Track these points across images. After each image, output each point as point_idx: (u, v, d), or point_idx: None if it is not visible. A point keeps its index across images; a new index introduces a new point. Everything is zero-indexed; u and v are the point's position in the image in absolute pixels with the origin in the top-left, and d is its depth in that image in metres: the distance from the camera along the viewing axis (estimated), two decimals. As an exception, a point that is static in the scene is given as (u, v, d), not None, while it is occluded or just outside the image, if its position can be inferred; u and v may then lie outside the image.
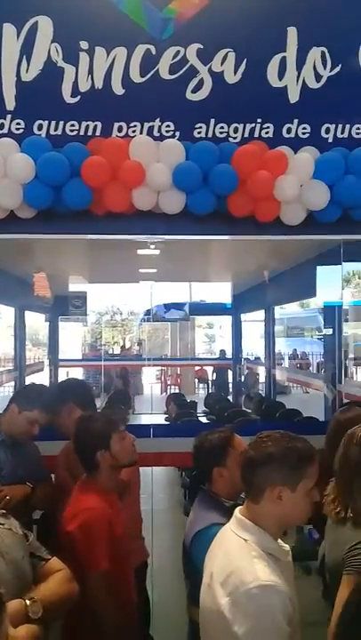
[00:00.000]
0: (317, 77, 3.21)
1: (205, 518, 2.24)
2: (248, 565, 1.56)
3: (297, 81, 3.20)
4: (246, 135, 3.21)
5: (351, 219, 3.19)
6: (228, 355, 11.70)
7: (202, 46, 3.15)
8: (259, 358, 11.10)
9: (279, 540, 1.70)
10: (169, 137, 3.16)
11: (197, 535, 2.22)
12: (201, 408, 9.35)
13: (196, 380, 13.62)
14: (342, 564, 1.86)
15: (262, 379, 10.52)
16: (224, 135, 3.21)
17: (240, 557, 1.59)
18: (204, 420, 7.97)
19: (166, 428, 5.17)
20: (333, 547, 2.02)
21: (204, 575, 1.73)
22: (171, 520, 5.45)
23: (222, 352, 12.76)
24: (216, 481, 2.36)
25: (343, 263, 3.83)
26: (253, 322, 11.05)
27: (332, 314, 6.03)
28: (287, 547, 1.74)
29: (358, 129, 3.27)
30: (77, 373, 10.31)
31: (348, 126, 3.25)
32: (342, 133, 3.25)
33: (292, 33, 3.17)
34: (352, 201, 3.11)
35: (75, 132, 3.16)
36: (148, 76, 3.16)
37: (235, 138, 3.21)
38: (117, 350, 13.92)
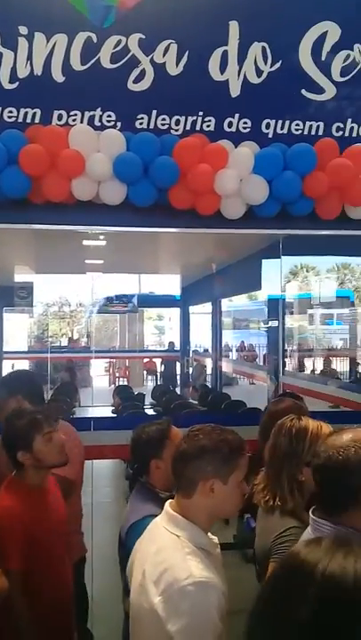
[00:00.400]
0: (258, 72, 3.24)
1: (141, 510, 2.25)
2: (181, 562, 1.55)
3: (238, 75, 3.22)
4: (188, 128, 3.21)
5: (289, 214, 3.24)
6: (178, 347, 11.77)
7: (144, 36, 3.13)
8: (207, 350, 11.21)
9: (209, 534, 1.71)
10: (110, 127, 3.13)
11: (132, 527, 2.22)
12: (148, 400, 9.37)
13: (145, 372, 13.64)
14: (269, 551, 1.91)
15: (210, 370, 10.63)
16: (166, 127, 3.20)
17: (173, 554, 1.58)
18: (150, 412, 7.99)
19: (108, 420, 5.15)
20: (261, 535, 2.07)
21: (135, 572, 1.72)
22: (115, 512, 5.42)
23: (171, 344, 12.83)
24: (153, 473, 2.36)
25: (283, 257, 3.90)
26: (202, 314, 11.14)
27: (276, 306, 6.15)
28: (216, 539, 1.75)
29: (298, 125, 3.32)
30: (23, 366, 10.13)
31: (287, 122, 3.30)
32: (282, 129, 3.30)
33: (233, 27, 3.18)
34: (290, 196, 3.17)
35: (13, 119, 3.08)
36: (89, 64, 3.12)
37: (176, 130, 3.21)
38: (65, 342, 13.75)
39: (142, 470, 2.42)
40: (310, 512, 1.62)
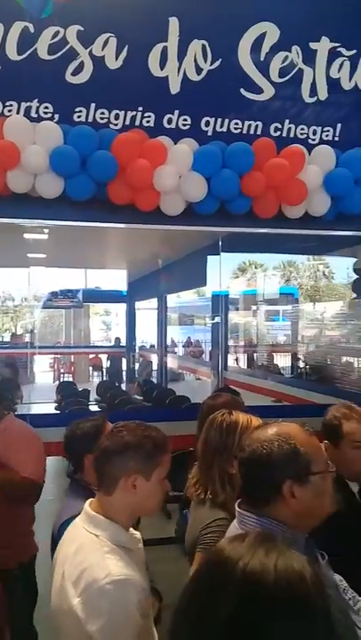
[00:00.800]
0: (198, 70, 3.25)
1: (73, 507, 2.21)
2: (100, 561, 1.53)
3: (178, 72, 3.22)
4: (127, 123, 3.20)
5: (228, 212, 3.27)
6: (124, 342, 11.71)
7: (82, 28, 3.08)
8: (153, 346, 11.20)
9: (131, 529, 1.71)
10: (47, 119, 3.07)
11: (64, 524, 2.19)
12: (94, 396, 9.29)
13: (91, 368, 13.50)
14: (197, 541, 1.94)
15: (155, 366, 10.64)
16: (105, 121, 3.17)
17: (91, 554, 1.56)
18: (94, 408, 7.92)
19: (47, 417, 5.06)
20: (192, 526, 2.09)
21: (55, 574, 1.69)
22: (57, 510, 5.36)
23: (117, 340, 12.75)
24: (88, 469, 2.33)
25: (224, 254, 3.95)
26: (148, 310, 11.13)
27: (219, 303, 6.20)
28: (138, 534, 1.75)
29: (237, 124, 3.36)
30: None
31: (227, 120, 3.33)
32: (221, 127, 3.33)
33: (173, 23, 3.18)
34: (228, 194, 3.20)
35: None
36: (26, 54, 3.04)
37: (115, 125, 3.18)
38: (8, 337, 13.44)
39: (77, 467, 2.40)
40: (236, 505, 1.65)
